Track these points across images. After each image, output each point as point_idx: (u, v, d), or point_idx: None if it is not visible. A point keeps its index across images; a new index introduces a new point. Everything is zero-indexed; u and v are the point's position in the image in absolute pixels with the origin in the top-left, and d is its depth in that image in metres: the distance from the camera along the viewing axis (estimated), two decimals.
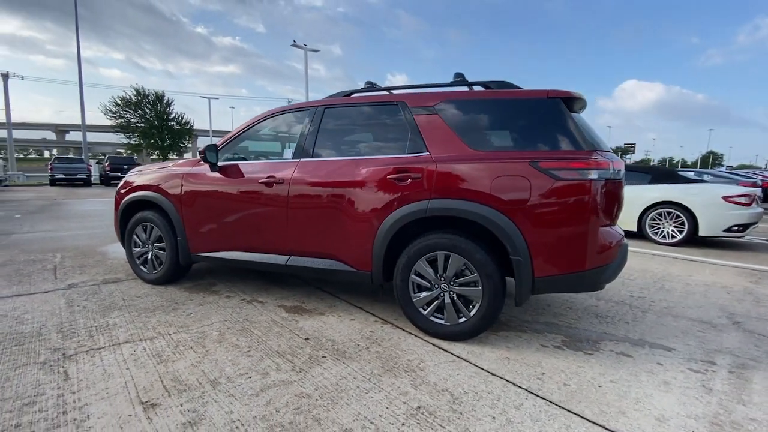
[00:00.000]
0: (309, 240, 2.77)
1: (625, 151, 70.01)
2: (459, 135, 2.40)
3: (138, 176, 3.61)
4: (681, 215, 5.56)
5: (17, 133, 45.16)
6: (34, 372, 1.96)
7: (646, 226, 5.87)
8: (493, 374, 2.00)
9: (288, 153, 3.27)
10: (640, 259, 4.70)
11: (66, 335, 2.39)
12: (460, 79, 2.70)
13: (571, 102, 2.36)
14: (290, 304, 3.02)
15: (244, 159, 3.24)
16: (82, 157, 23.36)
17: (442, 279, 2.36)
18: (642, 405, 1.74)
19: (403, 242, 2.48)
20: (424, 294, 2.43)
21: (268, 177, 2.88)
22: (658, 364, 2.12)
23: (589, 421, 1.63)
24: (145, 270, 3.48)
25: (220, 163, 3.11)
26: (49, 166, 19.51)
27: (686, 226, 5.50)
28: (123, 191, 3.64)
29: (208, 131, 48.06)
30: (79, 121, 25.66)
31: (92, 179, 20.35)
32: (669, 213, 5.69)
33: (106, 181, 20.26)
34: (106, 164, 20.84)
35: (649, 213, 5.85)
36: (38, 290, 3.22)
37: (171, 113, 34.62)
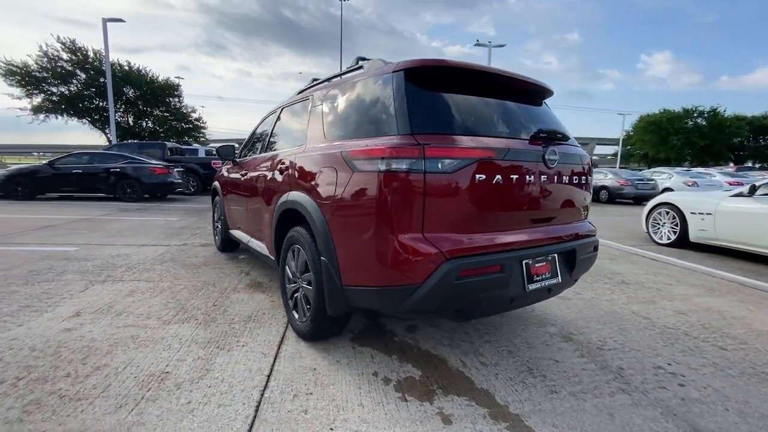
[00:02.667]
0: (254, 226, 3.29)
1: None
2: (324, 126, 2.37)
3: None
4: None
5: None
6: None
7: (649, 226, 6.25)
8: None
9: None
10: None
11: None
12: (357, 66, 2.43)
13: (423, 73, 1.87)
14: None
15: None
16: None
17: (297, 273, 2.37)
18: None
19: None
20: (289, 286, 2.50)
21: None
22: None
23: None
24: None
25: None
26: None
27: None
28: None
29: None
30: None
31: None
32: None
33: None
34: None
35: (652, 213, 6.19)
36: None
37: None
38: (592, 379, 2.04)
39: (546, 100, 2.45)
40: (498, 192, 1.82)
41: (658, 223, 6.07)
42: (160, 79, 25.95)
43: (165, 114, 27.16)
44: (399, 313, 1.83)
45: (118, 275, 3.60)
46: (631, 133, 41.97)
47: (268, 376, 1.97)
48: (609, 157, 58.34)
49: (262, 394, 1.81)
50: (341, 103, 2.29)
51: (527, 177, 1.91)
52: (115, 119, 19.34)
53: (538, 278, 2.01)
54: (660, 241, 5.96)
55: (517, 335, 2.57)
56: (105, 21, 15.37)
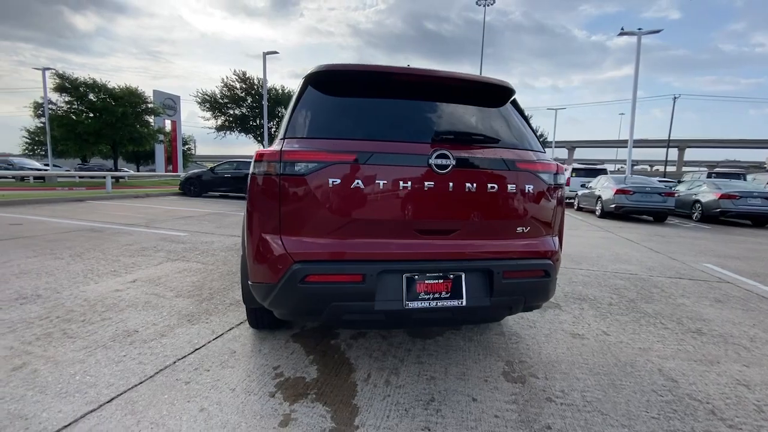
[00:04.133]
0: None
1: None
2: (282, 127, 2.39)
3: None
4: None
5: None
6: None
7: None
8: None
9: None
10: None
11: None
12: None
13: (324, 78, 1.89)
14: None
15: None
16: None
17: None
18: None
19: None
20: None
21: None
22: None
23: None
24: None
25: None
26: None
27: None
28: None
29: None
30: None
31: None
32: None
33: None
34: None
35: None
36: None
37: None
38: (492, 430, 1.68)
39: (500, 98, 2.09)
40: (363, 197, 1.71)
41: None
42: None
43: None
44: (272, 310, 1.89)
45: (189, 256, 4.56)
46: None
47: (196, 350, 2.29)
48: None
49: (175, 362, 2.13)
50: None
51: (404, 183, 1.72)
52: (270, 134, 23.51)
53: (426, 296, 1.78)
54: None
55: (461, 363, 2.26)
56: (265, 54, 19.13)
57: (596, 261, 5.21)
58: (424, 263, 1.78)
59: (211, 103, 27.79)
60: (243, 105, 28.52)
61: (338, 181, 1.68)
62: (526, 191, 1.92)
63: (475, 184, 1.81)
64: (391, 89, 1.93)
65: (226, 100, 28.05)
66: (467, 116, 1.98)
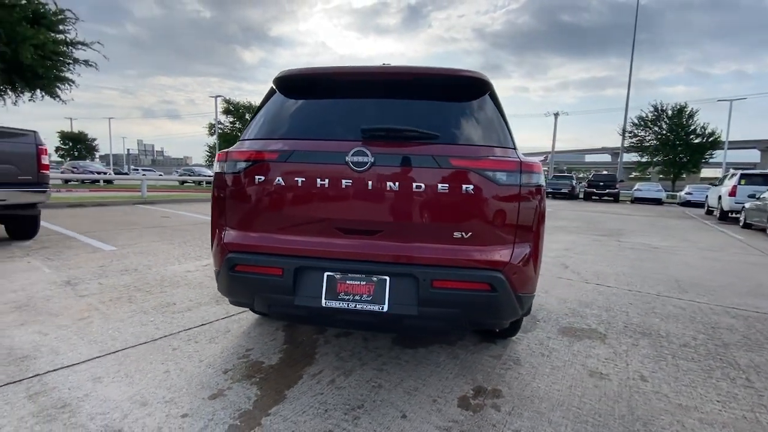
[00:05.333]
0: None
1: None
2: None
3: None
4: None
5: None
6: None
7: None
8: None
9: None
10: None
11: None
12: None
13: (284, 83, 2.01)
14: None
15: None
16: (570, 174, 27.89)
17: None
18: None
19: None
20: None
21: None
22: None
23: None
24: None
25: None
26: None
27: None
28: None
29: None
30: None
31: (576, 194, 24.44)
32: None
33: (585, 195, 24.28)
34: (587, 181, 25.65)
35: None
36: None
37: (691, 125, 29.56)
38: None
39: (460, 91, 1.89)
40: (284, 194, 1.76)
41: None
42: None
43: None
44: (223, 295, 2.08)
45: None
46: None
47: (202, 325, 2.67)
48: None
49: (179, 332, 2.53)
50: None
51: (322, 181, 1.70)
52: None
53: (346, 297, 1.72)
54: None
55: (422, 379, 2.07)
56: None
57: (713, 291, 3.99)
58: (346, 263, 1.73)
59: None
60: None
61: (263, 178, 1.79)
62: (467, 192, 1.67)
63: (398, 183, 1.68)
64: (334, 89, 1.95)
65: None
66: (412, 112, 1.84)
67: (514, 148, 1.84)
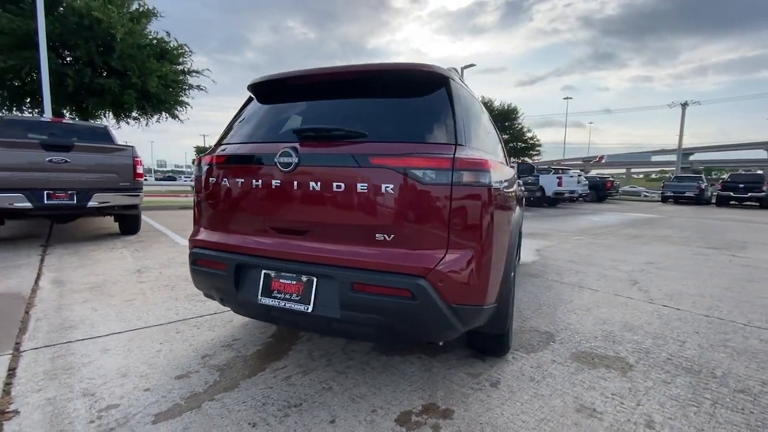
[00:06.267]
0: None
1: None
2: None
3: None
4: None
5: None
6: None
7: None
8: None
9: None
10: None
11: None
12: None
13: (255, 90, 2.13)
14: None
15: None
16: (698, 175, 23.58)
17: None
18: None
19: None
20: None
21: None
22: None
23: None
24: None
25: None
26: (663, 184, 22.57)
27: None
28: None
29: None
30: None
31: (706, 198, 20.25)
32: None
33: (718, 200, 19.48)
34: (720, 182, 20.46)
35: None
36: None
37: None
38: None
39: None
40: (230, 195, 1.88)
41: None
42: (497, 105, 29.55)
43: (504, 137, 30.84)
44: None
45: None
46: None
47: (213, 314, 2.96)
48: None
49: (191, 318, 2.86)
50: None
51: (256, 182, 1.76)
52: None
53: (278, 295, 1.75)
54: None
55: (375, 387, 1.98)
56: (462, 69, 19.85)
57: None
58: (279, 262, 1.76)
59: None
60: None
61: (214, 180, 1.94)
62: (387, 192, 1.56)
63: (319, 183, 1.66)
64: (288, 94, 2.01)
65: None
66: (356, 110, 1.81)
67: (461, 145, 1.66)
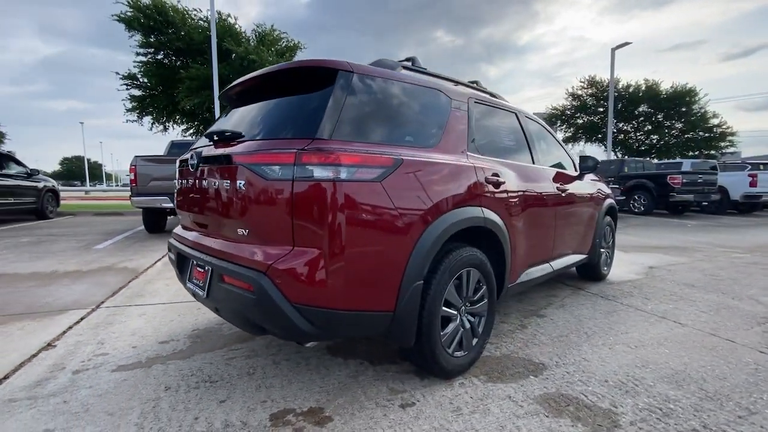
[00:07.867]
0: None
1: None
2: None
3: None
4: None
5: None
6: None
7: None
8: None
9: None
10: None
11: None
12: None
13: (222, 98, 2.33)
14: None
15: None
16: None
17: None
18: None
19: None
20: None
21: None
22: None
23: None
24: None
25: None
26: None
27: None
28: None
29: None
30: None
31: None
32: None
33: None
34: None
35: None
36: None
37: None
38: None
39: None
40: (179, 191, 2.22)
41: None
42: (664, 86, 23.77)
43: (676, 125, 24.29)
44: None
45: None
46: None
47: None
48: None
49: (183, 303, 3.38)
50: None
51: (183, 180, 2.06)
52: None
53: (195, 281, 1.98)
54: None
55: (270, 380, 1.99)
56: (613, 50, 16.65)
57: None
58: (196, 252, 1.99)
59: (558, 117, 27.17)
60: (593, 112, 25.94)
61: (177, 177, 2.32)
62: (240, 188, 1.64)
63: (205, 182, 1.86)
64: (233, 101, 2.31)
65: (573, 111, 26.63)
66: (258, 112, 1.93)
67: (320, 139, 1.55)
